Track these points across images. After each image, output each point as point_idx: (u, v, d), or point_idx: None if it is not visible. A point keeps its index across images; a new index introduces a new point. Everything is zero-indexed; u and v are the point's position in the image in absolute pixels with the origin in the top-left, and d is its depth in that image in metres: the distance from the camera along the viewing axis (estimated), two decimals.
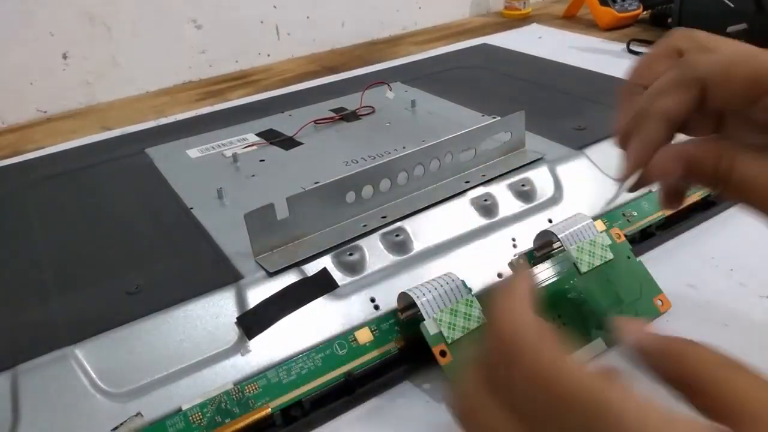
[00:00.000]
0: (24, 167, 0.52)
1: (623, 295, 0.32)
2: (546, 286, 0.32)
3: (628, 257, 0.34)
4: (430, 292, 0.30)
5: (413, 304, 0.30)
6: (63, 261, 0.36)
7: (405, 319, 0.31)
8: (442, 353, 0.28)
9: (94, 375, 0.28)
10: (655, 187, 0.41)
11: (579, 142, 0.43)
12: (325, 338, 0.30)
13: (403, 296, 0.31)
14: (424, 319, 0.29)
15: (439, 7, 0.99)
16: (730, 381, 0.17)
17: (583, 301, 0.32)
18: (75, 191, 0.45)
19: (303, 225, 0.34)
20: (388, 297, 0.32)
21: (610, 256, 0.33)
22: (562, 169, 0.41)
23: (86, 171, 0.48)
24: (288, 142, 0.49)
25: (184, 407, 0.27)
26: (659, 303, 0.33)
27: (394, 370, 0.30)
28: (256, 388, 0.28)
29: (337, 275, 0.33)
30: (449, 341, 0.28)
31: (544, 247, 0.34)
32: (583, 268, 0.32)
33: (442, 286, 0.30)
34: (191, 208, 0.40)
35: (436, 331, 0.29)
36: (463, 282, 0.30)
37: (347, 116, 0.53)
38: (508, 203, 0.39)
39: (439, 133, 0.41)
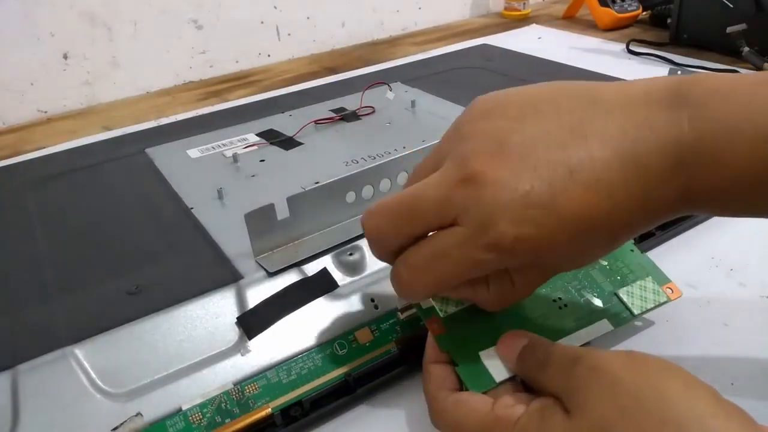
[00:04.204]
0: (24, 167, 0.52)
1: (628, 280, 0.32)
2: None
3: (632, 250, 0.33)
4: None
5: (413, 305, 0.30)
6: (63, 261, 0.36)
7: (405, 319, 0.31)
8: (435, 324, 0.28)
9: (94, 375, 0.28)
10: None
11: None
12: (325, 338, 0.30)
13: None
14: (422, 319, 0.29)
15: (439, 7, 0.99)
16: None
17: (585, 286, 0.31)
18: (75, 191, 0.45)
19: (303, 225, 0.34)
20: (388, 297, 0.32)
21: None
22: None
23: (86, 171, 0.48)
24: (288, 142, 0.49)
25: (184, 407, 0.27)
26: (669, 291, 0.32)
27: (394, 370, 0.30)
28: (256, 388, 0.28)
29: (337, 275, 0.33)
30: (441, 314, 0.28)
31: None
32: None
33: None
34: (191, 208, 0.40)
35: (429, 305, 0.29)
36: None
37: (347, 116, 0.53)
38: None
39: (439, 133, 0.40)
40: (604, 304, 0.30)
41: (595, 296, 0.31)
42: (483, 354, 0.26)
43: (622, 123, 0.22)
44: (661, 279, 0.32)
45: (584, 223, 0.22)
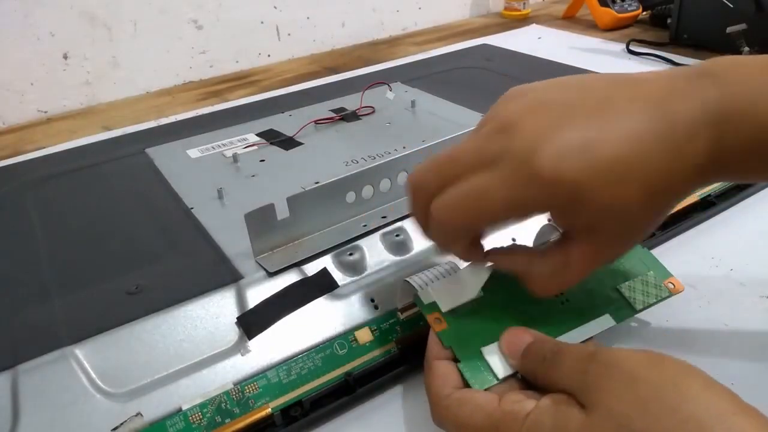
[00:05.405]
0: (24, 167, 0.52)
1: (630, 275, 0.32)
2: None
3: None
4: (427, 276, 0.30)
5: (413, 305, 0.30)
6: (63, 261, 0.36)
7: (405, 318, 0.31)
8: (437, 320, 0.28)
9: (94, 375, 0.28)
10: None
11: None
12: (325, 338, 0.30)
13: (404, 284, 0.30)
14: (421, 299, 0.29)
15: (439, 7, 0.99)
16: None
17: (586, 281, 0.30)
18: (75, 191, 0.45)
19: (303, 225, 0.34)
20: (388, 297, 0.32)
21: None
22: None
23: (86, 171, 0.48)
24: (288, 142, 0.49)
25: (184, 407, 0.27)
26: (671, 285, 0.32)
27: (394, 370, 0.30)
28: (256, 388, 0.28)
29: (337, 275, 0.33)
30: (443, 310, 0.28)
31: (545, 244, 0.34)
32: None
33: (442, 271, 0.30)
34: (191, 208, 0.40)
35: (431, 300, 0.28)
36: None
37: (347, 116, 0.53)
38: None
39: (439, 133, 0.41)
40: (606, 300, 0.30)
41: (596, 291, 0.31)
42: (485, 350, 0.26)
43: (648, 91, 0.24)
44: (663, 273, 0.32)
45: (620, 166, 0.22)
